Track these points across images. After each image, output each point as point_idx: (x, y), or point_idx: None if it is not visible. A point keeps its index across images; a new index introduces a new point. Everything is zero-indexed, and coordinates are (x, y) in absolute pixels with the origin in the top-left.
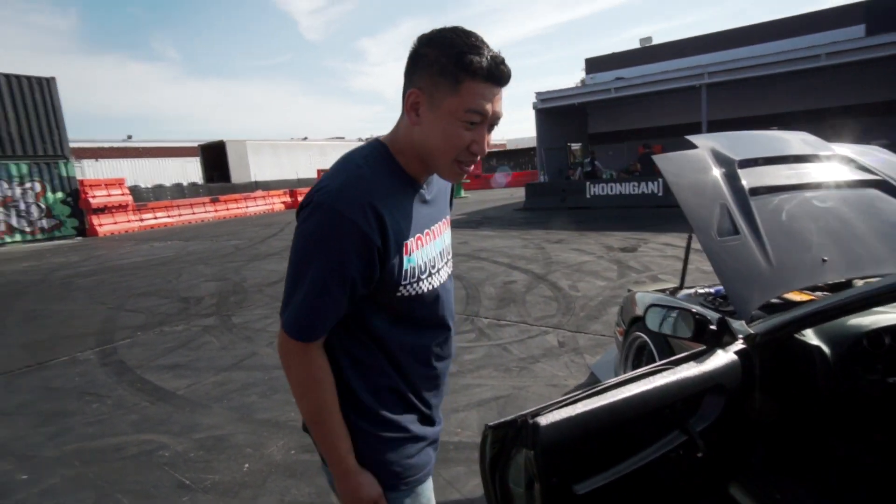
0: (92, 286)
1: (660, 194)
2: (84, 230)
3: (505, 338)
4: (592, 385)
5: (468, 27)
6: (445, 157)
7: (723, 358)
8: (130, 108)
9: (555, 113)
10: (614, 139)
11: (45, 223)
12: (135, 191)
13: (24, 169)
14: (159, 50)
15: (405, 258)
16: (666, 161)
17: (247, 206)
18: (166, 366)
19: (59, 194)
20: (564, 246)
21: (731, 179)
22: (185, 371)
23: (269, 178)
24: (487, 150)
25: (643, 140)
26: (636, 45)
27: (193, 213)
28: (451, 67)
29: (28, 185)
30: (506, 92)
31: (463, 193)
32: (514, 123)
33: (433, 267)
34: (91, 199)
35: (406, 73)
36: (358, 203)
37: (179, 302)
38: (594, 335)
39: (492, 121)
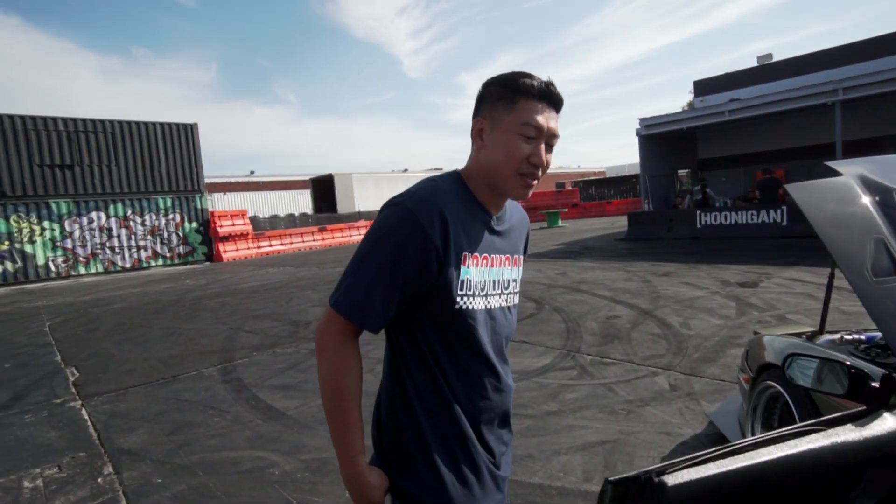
0: (217, 307)
1: (783, 223)
2: (211, 256)
3: (609, 377)
4: (726, 444)
5: (564, 57)
6: (508, 169)
7: (892, 423)
8: (254, 146)
9: (660, 139)
10: (727, 164)
11: (181, 249)
12: (254, 221)
13: (169, 202)
14: (280, 94)
15: (462, 269)
16: (802, 190)
17: (350, 235)
18: (278, 386)
19: (194, 224)
20: (673, 279)
21: (889, 210)
22: (294, 392)
23: (371, 209)
24: (548, 165)
25: (761, 165)
26: (749, 63)
27: (303, 241)
28: (508, 92)
29: (171, 216)
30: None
31: (560, 223)
32: (613, 151)
33: (487, 291)
34: (219, 229)
35: (473, 113)
36: (427, 206)
37: (290, 325)
38: (711, 379)
39: (548, 138)
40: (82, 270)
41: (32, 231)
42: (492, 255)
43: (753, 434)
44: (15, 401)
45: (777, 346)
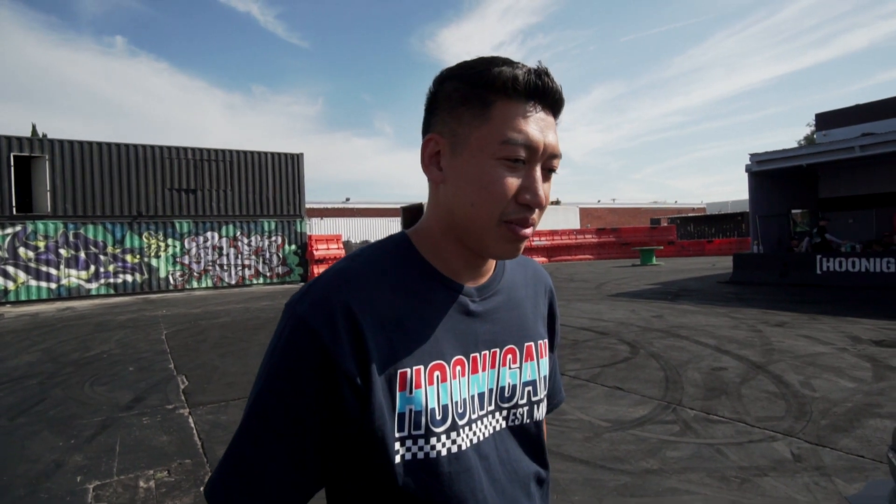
0: None
1: None
2: (306, 277)
3: (718, 437)
4: None
5: (664, 90)
6: (486, 217)
7: None
8: (350, 175)
9: (774, 175)
10: (854, 205)
11: (280, 269)
12: (347, 245)
13: (273, 225)
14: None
15: (399, 395)
16: None
17: None
18: None
19: (293, 246)
20: (789, 331)
21: None
22: None
23: None
24: (547, 201)
25: None
26: (876, 95)
27: None
28: (477, 89)
29: (273, 238)
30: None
31: (655, 261)
32: (714, 186)
33: (461, 415)
34: (315, 252)
35: (423, 126)
36: (324, 303)
37: None
38: (845, 454)
39: (546, 159)
40: (195, 284)
41: (159, 247)
42: (471, 355)
43: None
44: (136, 402)
45: None
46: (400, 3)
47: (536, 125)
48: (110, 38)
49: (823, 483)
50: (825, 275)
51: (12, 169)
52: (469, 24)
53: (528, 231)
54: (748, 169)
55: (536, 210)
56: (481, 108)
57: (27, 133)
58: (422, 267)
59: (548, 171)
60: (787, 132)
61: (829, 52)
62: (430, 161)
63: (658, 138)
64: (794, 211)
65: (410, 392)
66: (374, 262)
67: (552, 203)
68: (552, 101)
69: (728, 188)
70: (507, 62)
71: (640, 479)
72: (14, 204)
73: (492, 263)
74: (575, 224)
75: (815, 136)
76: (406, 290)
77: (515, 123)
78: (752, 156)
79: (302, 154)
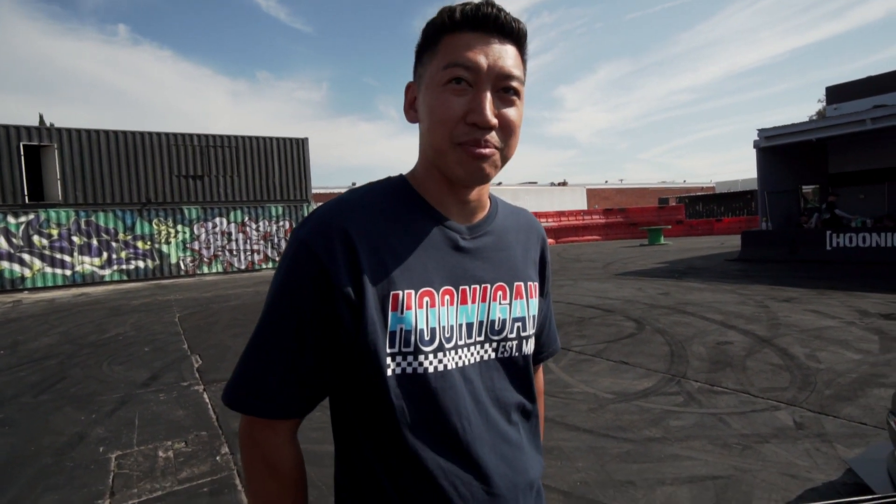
0: None
1: None
2: None
3: (721, 407)
4: (872, 496)
5: (671, 67)
6: (440, 140)
7: None
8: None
9: (783, 151)
10: (866, 180)
11: None
12: None
13: (280, 210)
14: (383, 111)
15: (392, 315)
16: None
17: None
18: None
19: None
20: (796, 306)
21: None
22: None
23: None
24: (494, 118)
25: None
26: (890, 67)
27: None
28: (432, 33)
29: (281, 223)
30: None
31: (663, 240)
32: (723, 165)
33: (448, 339)
34: None
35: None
36: (324, 229)
37: None
38: (848, 421)
39: (495, 79)
40: (205, 270)
41: (169, 233)
42: (460, 287)
43: None
44: (152, 380)
45: None
46: None
47: (480, 48)
48: (113, 26)
49: (824, 449)
50: (835, 251)
51: (22, 158)
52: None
53: (486, 151)
54: (756, 145)
55: (495, 132)
56: (433, 47)
57: (35, 122)
58: (415, 202)
59: (503, 92)
60: (799, 108)
61: (843, 24)
62: (410, 106)
63: (666, 117)
64: (803, 187)
65: (401, 313)
66: (372, 195)
67: (559, 184)
68: (498, 27)
69: (738, 166)
70: (462, 4)
71: (642, 447)
72: (26, 192)
73: (483, 204)
74: (582, 205)
75: (825, 110)
76: (400, 221)
77: (456, 49)
78: (761, 131)
79: (307, 138)
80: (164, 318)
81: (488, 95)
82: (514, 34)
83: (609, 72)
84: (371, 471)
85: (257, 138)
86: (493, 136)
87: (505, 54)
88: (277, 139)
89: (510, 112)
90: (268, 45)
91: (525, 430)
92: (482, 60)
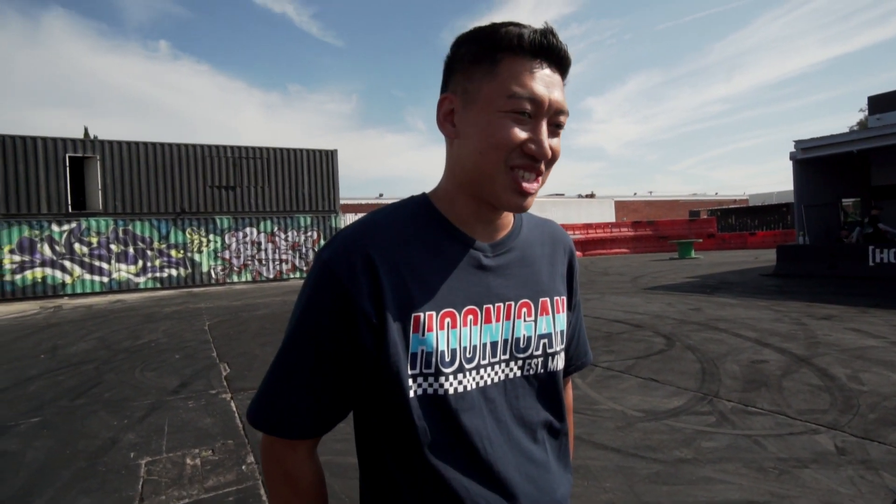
0: None
1: None
2: None
3: (756, 428)
4: None
5: (704, 77)
6: (493, 164)
7: None
8: (383, 171)
9: (821, 163)
10: None
11: None
12: None
13: (309, 220)
14: (410, 123)
15: (413, 336)
16: None
17: None
18: None
19: None
20: (836, 324)
21: None
22: None
23: None
24: (552, 153)
25: None
26: None
27: None
28: (486, 49)
29: (309, 233)
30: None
31: (693, 254)
32: (757, 177)
33: (470, 359)
34: None
35: (441, 88)
36: (347, 251)
37: None
38: (895, 447)
39: (552, 115)
40: (235, 279)
41: (201, 242)
42: (483, 306)
43: None
44: (182, 387)
45: None
46: None
47: (542, 81)
48: (154, 42)
49: (869, 476)
50: (878, 266)
51: (68, 169)
52: (501, 16)
53: (535, 183)
54: (793, 157)
55: (542, 163)
56: (490, 65)
57: (80, 135)
58: (438, 222)
59: (555, 127)
60: (839, 119)
61: (886, 31)
62: (445, 119)
63: (697, 128)
64: (843, 200)
65: (423, 335)
66: (395, 216)
67: (587, 196)
68: (557, 59)
69: (772, 178)
70: (516, 24)
71: (672, 468)
72: (69, 202)
73: (507, 221)
74: (610, 217)
75: (867, 120)
76: (423, 242)
77: (521, 79)
78: (798, 143)
79: (336, 150)
80: (194, 326)
81: (544, 127)
82: (567, 66)
83: (639, 83)
84: (397, 489)
85: (287, 150)
86: (541, 166)
87: (560, 88)
88: (307, 151)
89: (557, 143)
90: (300, 58)
91: (552, 448)
92: (545, 94)
